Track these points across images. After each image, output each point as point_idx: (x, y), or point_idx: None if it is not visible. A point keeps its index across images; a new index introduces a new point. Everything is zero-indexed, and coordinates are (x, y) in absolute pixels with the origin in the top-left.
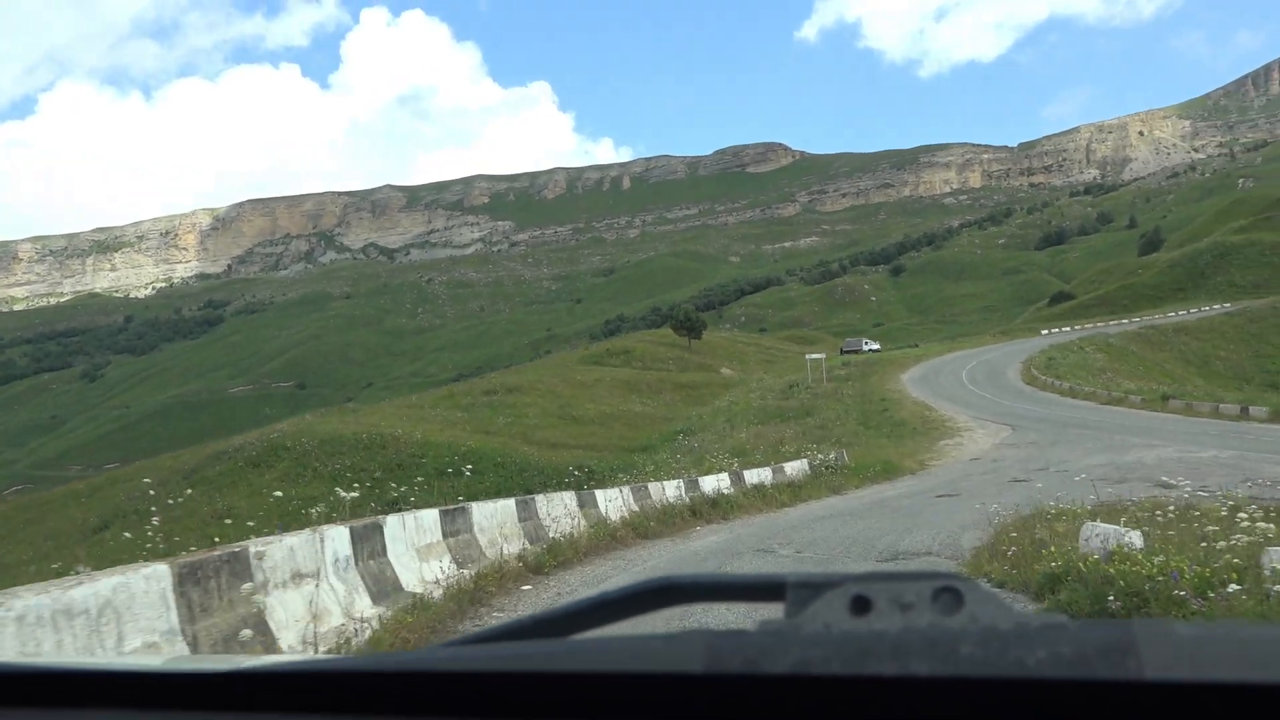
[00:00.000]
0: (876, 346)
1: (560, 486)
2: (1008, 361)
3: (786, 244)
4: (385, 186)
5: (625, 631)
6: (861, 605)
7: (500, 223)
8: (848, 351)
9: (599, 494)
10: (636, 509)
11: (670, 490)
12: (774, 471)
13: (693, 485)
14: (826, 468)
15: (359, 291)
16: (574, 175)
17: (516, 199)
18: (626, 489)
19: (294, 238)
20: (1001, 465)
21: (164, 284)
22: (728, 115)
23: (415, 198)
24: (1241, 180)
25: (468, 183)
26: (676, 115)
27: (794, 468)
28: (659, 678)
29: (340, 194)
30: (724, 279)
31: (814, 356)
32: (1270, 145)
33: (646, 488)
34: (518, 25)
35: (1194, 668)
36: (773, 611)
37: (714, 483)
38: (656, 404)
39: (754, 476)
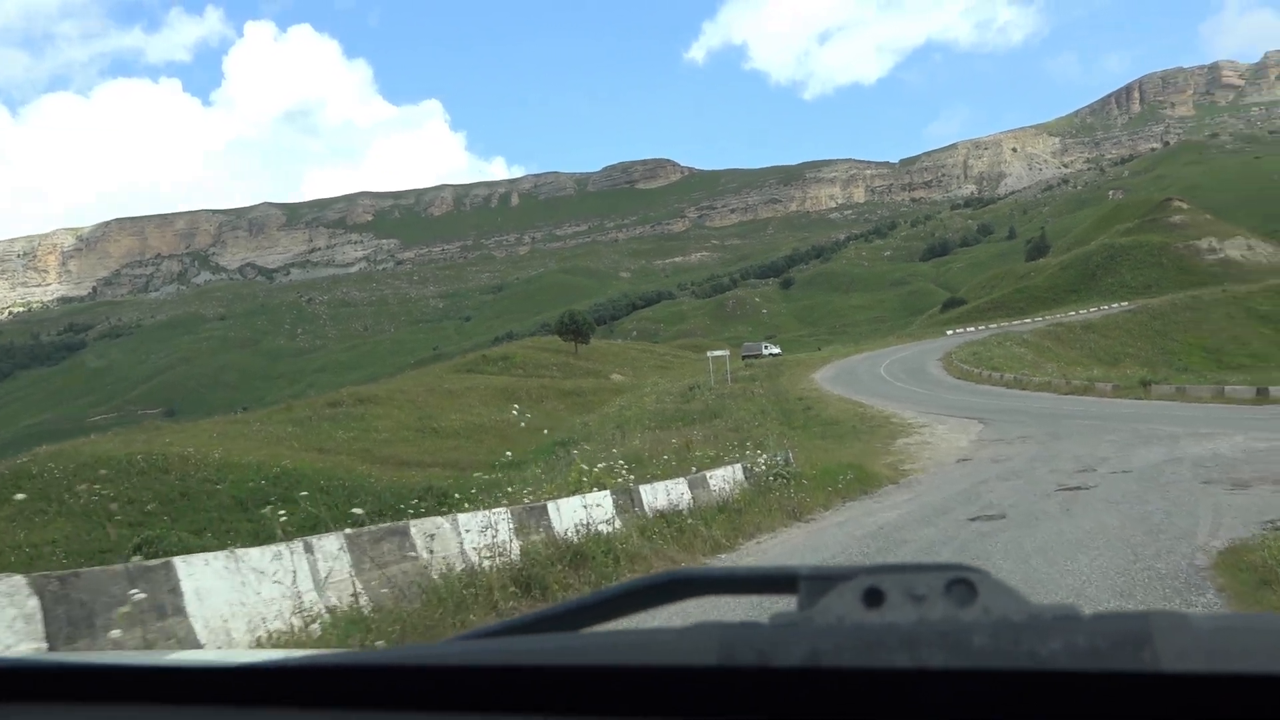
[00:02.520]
0: (778, 350)
1: (396, 515)
2: (924, 359)
3: (677, 259)
4: (263, 204)
5: (636, 625)
6: (874, 597)
7: (385, 241)
8: (748, 356)
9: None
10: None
11: (476, 536)
12: (693, 485)
13: (535, 517)
14: (773, 476)
15: (234, 312)
16: (461, 192)
17: (402, 216)
18: (341, 540)
19: (165, 258)
20: (1014, 467)
21: (21, 309)
22: (618, 133)
23: (296, 216)
24: (1111, 192)
25: (351, 200)
26: (568, 134)
27: (723, 478)
28: (671, 671)
29: (215, 212)
30: (615, 294)
31: (716, 354)
32: (1135, 160)
33: (408, 535)
34: (410, 43)
35: (1210, 659)
36: (785, 604)
37: (581, 512)
38: (537, 413)
39: (659, 495)
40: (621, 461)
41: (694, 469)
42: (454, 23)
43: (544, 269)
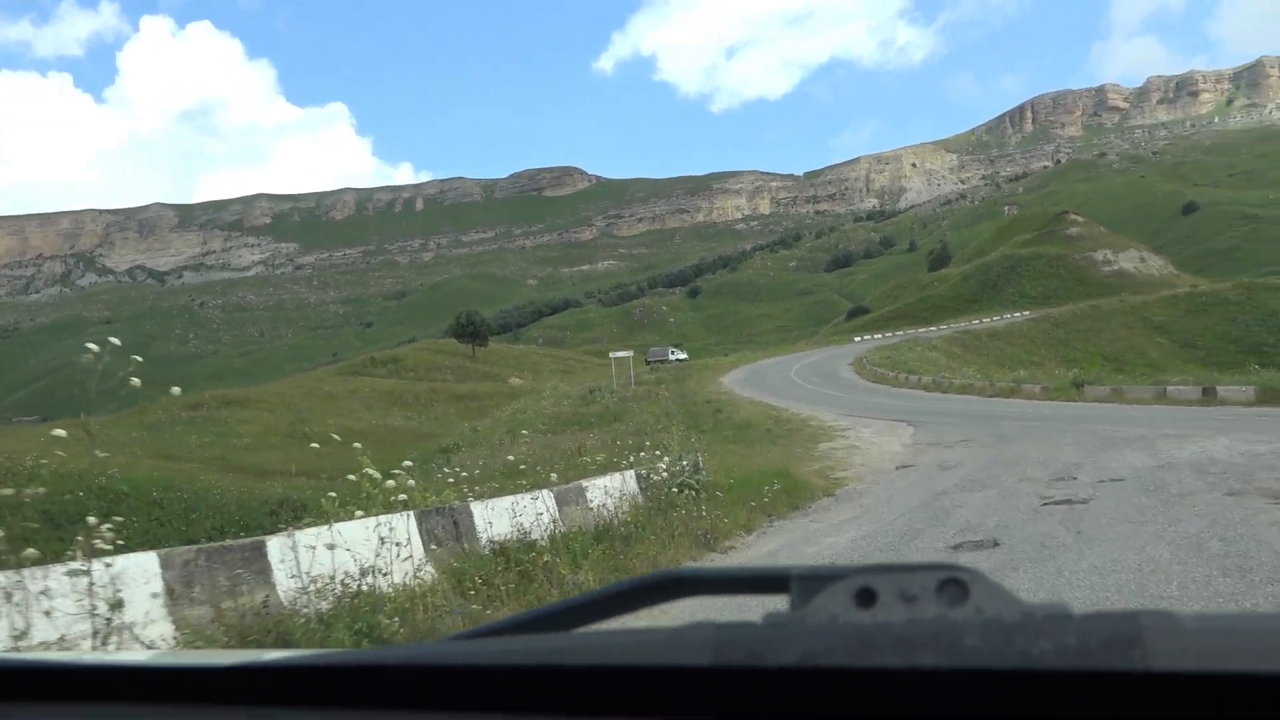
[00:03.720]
0: (684, 356)
1: (240, 532)
2: (835, 363)
3: (584, 267)
4: (155, 205)
5: (630, 625)
6: (867, 597)
7: (284, 244)
8: (654, 361)
9: None
10: None
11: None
12: (562, 500)
13: (249, 564)
14: (677, 488)
15: (121, 316)
16: (364, 196)
17: (302, 220)
18: None
19: (47, 259)
20: (971, 474)
21: None
22: (526, 141)
23: (190, 217)
24: (1007, 207)
25: (248, 202)
26: (476, 140)
27: (607, 491)
28: (665, 670)
29: (102, 212)
30: (521, 301)
31: (620, 355)
32: (1028, 177)
33: None
34: (316, 45)
35: (1200, 659)
36: (778, 604)
37: (363, 550)
38: (424, 418)
39: (500, 518)
40: (461, 470)
41: (567, 480)
42: (362, 26)
43: (449, 275)
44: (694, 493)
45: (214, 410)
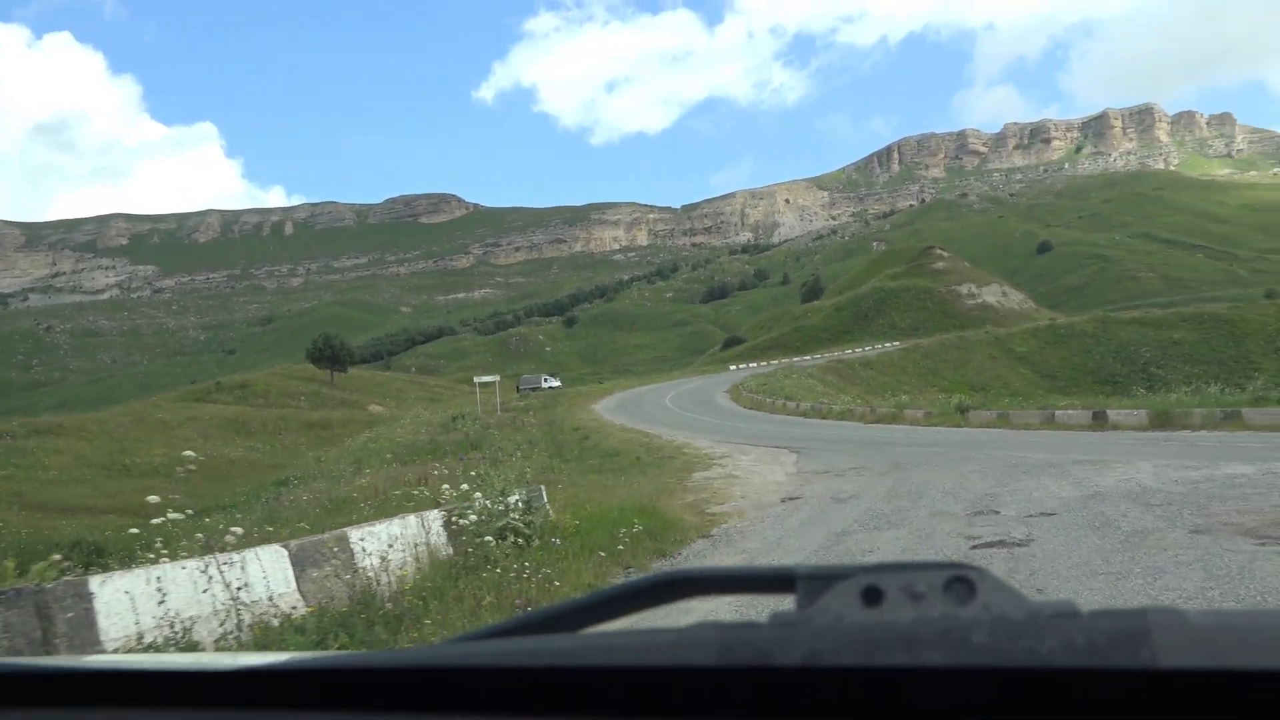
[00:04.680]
0: (558, 383)
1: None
2: (710, 390)
3: (460, 295)
4: None
5: (635, 625)
6: (873, 596)
7: (142, 267)
8: (526, 389)
9: None
10: None
11: None
12: (305, 561)
13: None
14: (502, 531)
15: None
16: (230, 218)
17: (162, 241)
18: None
19: None
20: (872, 508)
21: None
22: (403, 167)
23: (38, 236)
24: (875, 243)
25: (104, 222)
26: (352, 165)
27: (393, 541)
28: (670, 671)
29: None
30: (394, 329)
31: (485, 380)
32: (895, 214)
33: None
34: (186, 62)
35: (1208, 655)
36: (784, 604)
37: None
38: (270, 447)
39: (167, 601)
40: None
41: (342, 526)
42: (236, 44)
43: (319, 301)
44: (521, 540)
45: (20, 439)
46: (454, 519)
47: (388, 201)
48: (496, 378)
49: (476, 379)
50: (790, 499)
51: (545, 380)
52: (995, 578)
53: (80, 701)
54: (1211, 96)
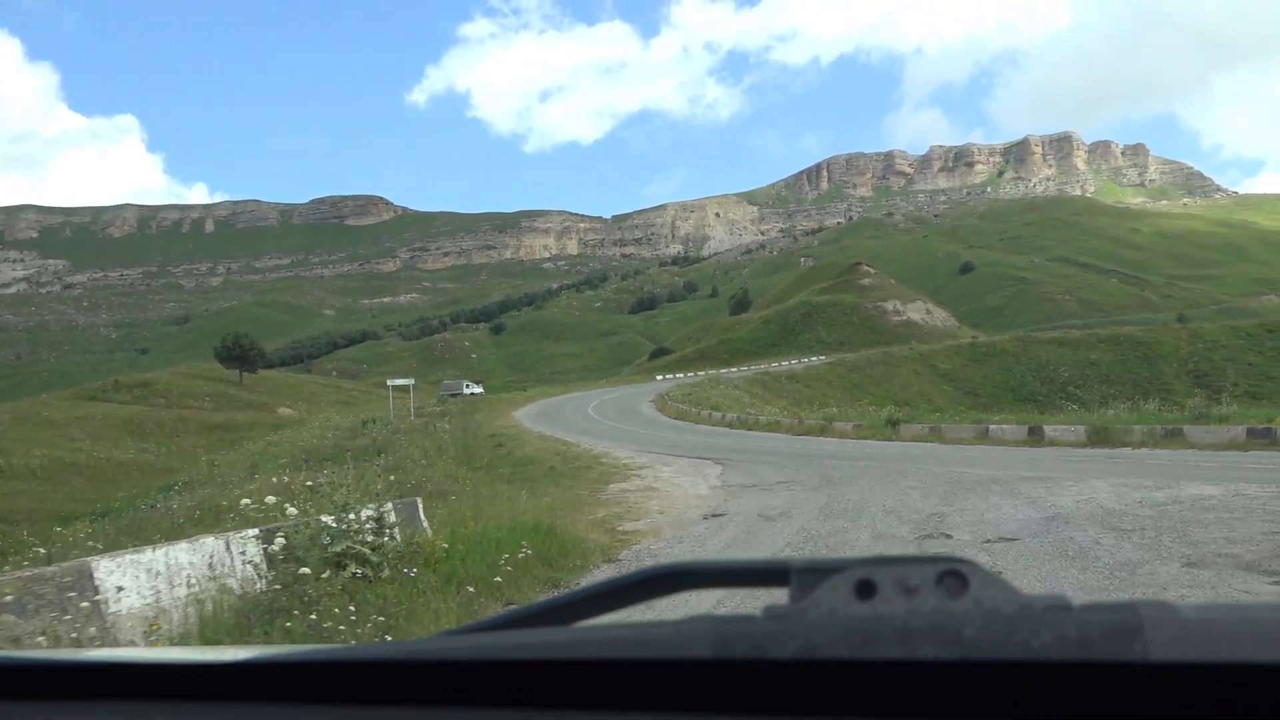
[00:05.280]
0: (480, 389)
1: None
2: (635, 400)
3: (386, 299)
4: None
5: (630, 618)
6: (866, 589)
7: (52, 261)
8: (447, 395)
9: None
10: None
11: None
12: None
13: None
14: (340, 559)
15: None
16: (148, 214)
17: (75, 235)
18: None
19: None
20: (805, 527)
21: None
22: (330, 167)
23: None
24: (803, 259)
25: (11, 213)
26: (278, 164)
27: (176, 573)
28: (665, 664)
29: None
30: (316, 332)
31: (398, 383)
32: (823, 231)
33: None
34: (109, 52)
35: (1200, 648)
36: (778, 597)
37: None
38: (165, 450)
39: None
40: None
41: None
42: (162, 36)
43: (238, 301)
44: (367, 571)
45: None
46: (275, 541)
47: (314, 202)
48: (411, 381)
49: (390, 382)
50: (714, 516)
51: (467, 386)
52: (988, 572)
53: (80, 695)
54: (1126, 127)
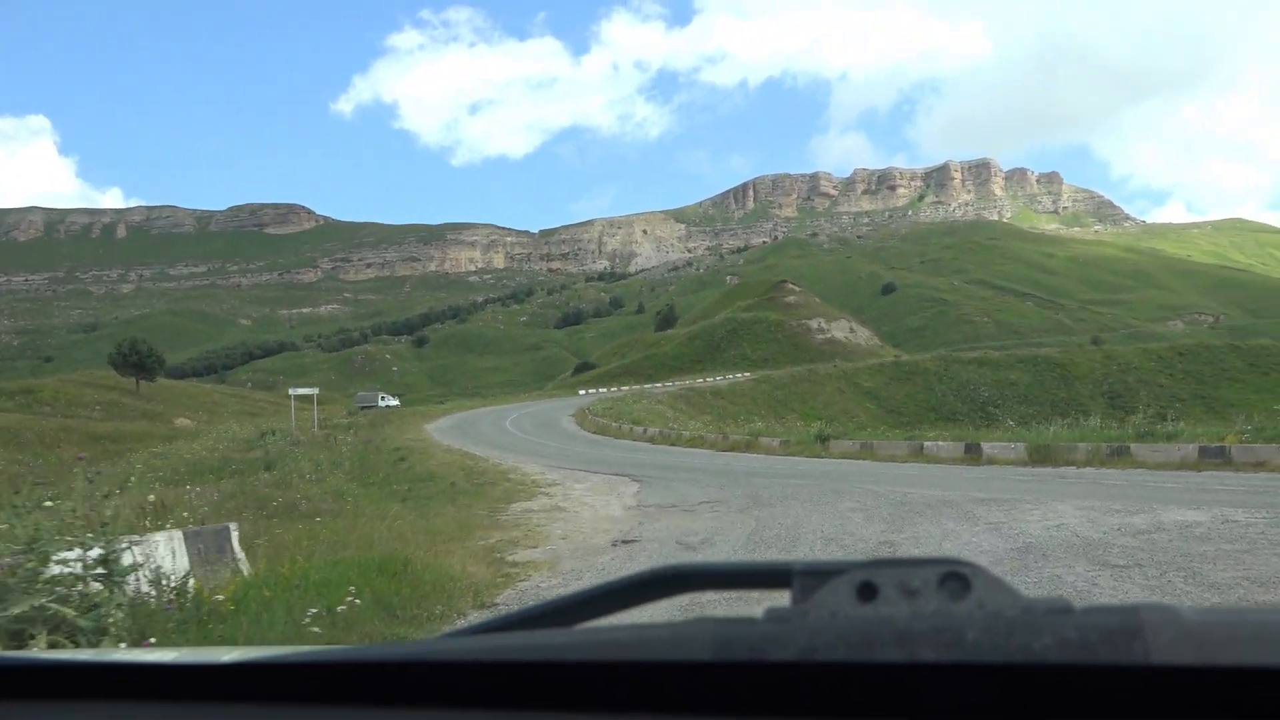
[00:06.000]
0: (396, 402)
1: None
2: (556, 413)
3: (305, 310)
4: None
5: (631, 620)
6: (868, 592)
7: None
8: (363, 407)
9: None
10: None
11: None
12: None
13: None
14: (18, 625)
15: None
16: (55, 218)
17: None
18: None
19: None
20: (729, 556)
21: None
22: (251, 174)
23: None
24: (729, 277)
25: None
26: (196, 170)
27: None
28: (666, 666)
29: None
30: (231, 342)
31: (301, 392)
32: (749, 250)
33: None
34: (17, 51)
35: (1201, 652)
36: (779, 599)
37: None
38: (41, 462)
39: None
40: None
41: None
42: (77, 35)
43: (150, 309)
44: (79, 638)
45: None
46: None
47: (233, 209)
48: (315, 390)
49: (293, 391)
50: (624, 542)
51: (383, 399)
52: (990, 575)
53: (78, 695)
54: (1042, 156)
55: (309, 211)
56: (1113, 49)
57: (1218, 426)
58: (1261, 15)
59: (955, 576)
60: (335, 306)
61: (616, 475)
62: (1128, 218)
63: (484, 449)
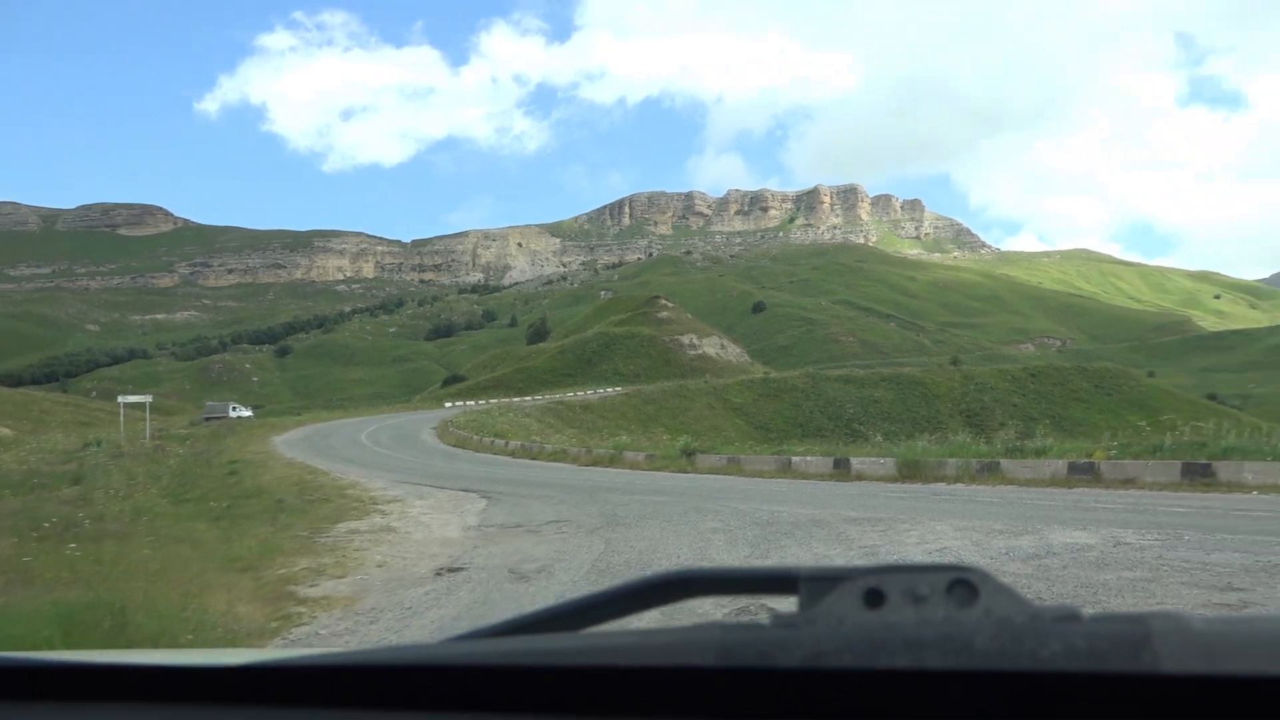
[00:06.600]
0: (249, 412)
1: None
2: (417, 426)
3: (160, 316)
4: None
5: (638, 625)
6: (875, 598)
7: None
8: (211, 418)
9: None
10: None
11: None
12: None
13: None
14: None
15: None
16: None
17: None
18: None
19: None
20: (565, 592)
21: None
22: (105, 173)
23: None
24: (603, 292)
25: None
26: (44, 167)
27: None
28: (672, 671)
29: None
30: (75, 348)
31: (131, 399)
32: (623, 266)
33: None
34: None
35: (1210, 660)
36: (786, 605)
37: None
38: None
39: None
40: None
41: None
42: None
43: None
44: None
45: None
46: None
47: (82, 208)
48: (148, 398)
49: (122, 399)
50: (450, 571)
51: (234, 409)
52: (998, 581)
53: (81, 696)
54: (905, 183)
55: (167, 213)
56: (972, 85)
57: (1083, 443)
58: (1104, 61)
59: (962, 583)
60: (193, 313)
61: (465, 491)
62: (984, 245)
63: (330, 463)
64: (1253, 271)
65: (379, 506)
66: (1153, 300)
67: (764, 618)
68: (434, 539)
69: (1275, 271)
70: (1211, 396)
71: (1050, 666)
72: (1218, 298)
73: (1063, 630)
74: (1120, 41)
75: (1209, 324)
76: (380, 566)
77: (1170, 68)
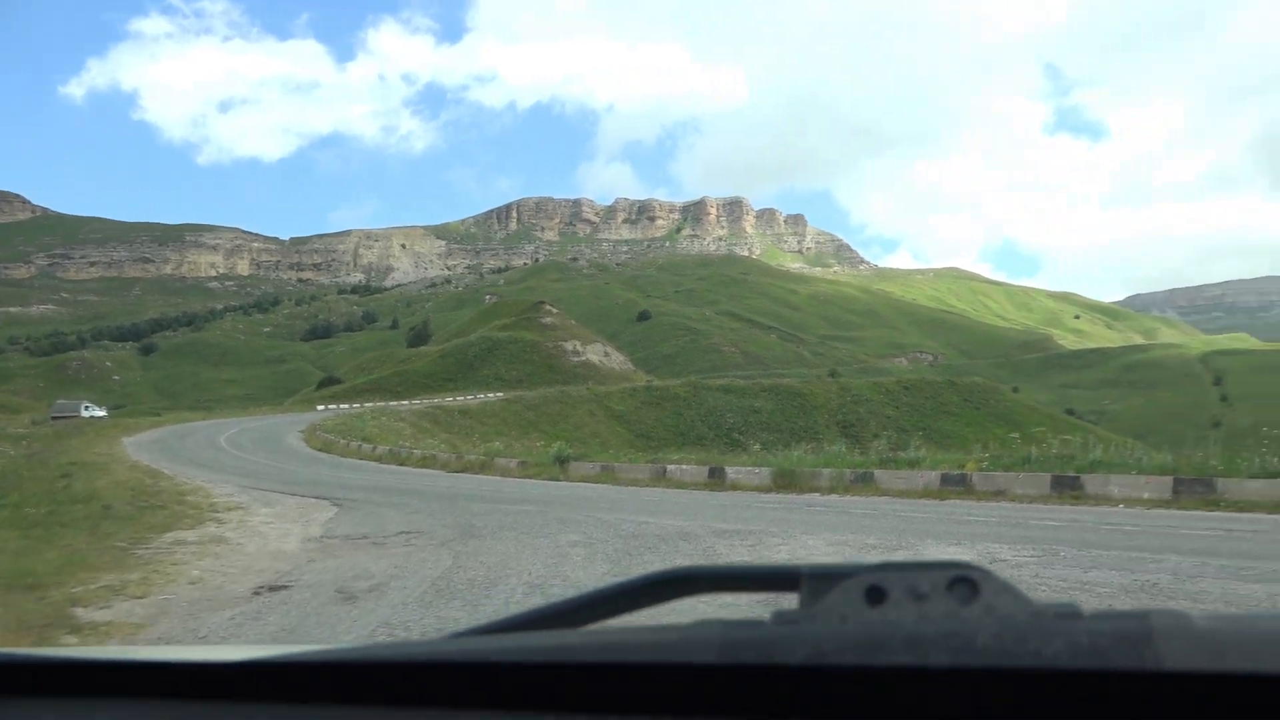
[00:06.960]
0: (103, 412)
1: None
2: (283, 429)
3: (14, 309)
4: None
5: (639, 622)
6: (877, 595)
7: None
8: (60, 417)
9: None
10: None
11: None
12: None
13: None
14: None
15: None
16: None
17: None
18: None
19: None
20: (393, 616)
21: None
22: None
23: None
24: (488, 296)
25: None
26: None
27: None
28: (673, 668)
29: None
30: None
31: None
32: (509, 271)
33: None
34: None
35: (1212, 658)
36: (788, 602)
37: None
38: None
39: None
40: None
41: None
42: None
43: None
44: None
45: None
46: None
47: None
48: None
49: None
50: (272, 589)
51: (87, 408)
52: (999, 579)
53: (83, 693)
54: (789, 198)
55: (24, 200)
56: (855, 105)
57: (955, 454)
58: (982, 87)
59: (964, 580)
60: (50, 307)
61: (318, 498)
62: (863, 261)
63: (178, 466)
64: (1110, 293)
65: (217, 514)
66: (1017, 318)
67: (766, 615)
68: (267, 552)
69: (1131, 294)
70: (1070, 411)
71: (1053, 664)
72: (1077, 318)
73: (1065, 628)
74: (996, 70)
75: (1069, 342)
76: (193, 584)
77: (1040, 97)
